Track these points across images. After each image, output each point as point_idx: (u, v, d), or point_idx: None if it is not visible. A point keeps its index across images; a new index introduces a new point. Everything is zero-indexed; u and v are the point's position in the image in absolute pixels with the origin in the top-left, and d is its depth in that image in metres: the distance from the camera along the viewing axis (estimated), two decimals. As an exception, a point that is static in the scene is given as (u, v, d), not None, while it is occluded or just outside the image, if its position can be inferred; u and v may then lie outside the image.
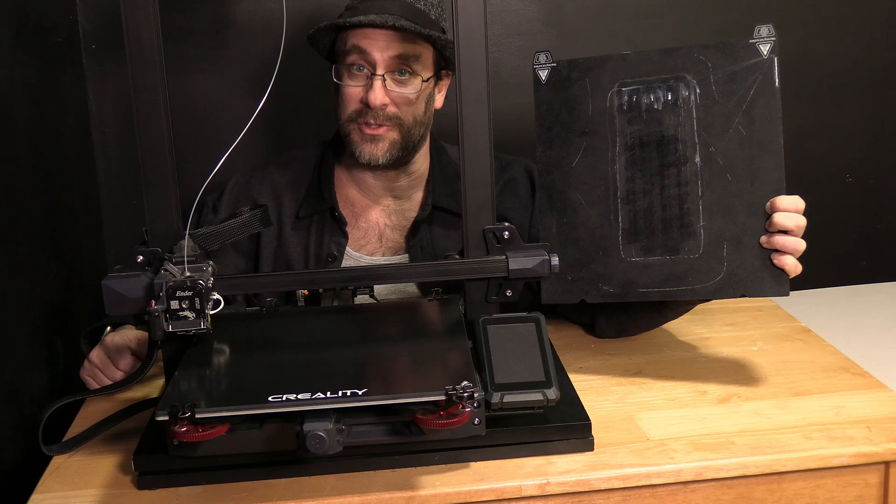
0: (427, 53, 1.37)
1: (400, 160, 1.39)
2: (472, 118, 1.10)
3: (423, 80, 1.36)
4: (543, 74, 1.20)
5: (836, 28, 1.95)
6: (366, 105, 1.33)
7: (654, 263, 1.17)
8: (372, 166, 1.38)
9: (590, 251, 1.19)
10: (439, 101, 1.45)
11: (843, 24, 1.96)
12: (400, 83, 1.35)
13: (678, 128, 1.16)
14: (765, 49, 1.13)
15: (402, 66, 1.34)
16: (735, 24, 1.88)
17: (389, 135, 1.36)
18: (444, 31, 1.39)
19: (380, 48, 1.32)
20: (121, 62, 1.08)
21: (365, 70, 1.34)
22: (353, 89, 1.35)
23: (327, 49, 1.42)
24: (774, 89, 1.13)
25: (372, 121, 1.34)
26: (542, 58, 1.20)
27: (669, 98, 1.16)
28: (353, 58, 1.34)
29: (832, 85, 1.98)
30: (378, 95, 1.32)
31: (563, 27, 1.89)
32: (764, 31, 1.13)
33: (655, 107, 1.16)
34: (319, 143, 1.52)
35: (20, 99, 1.41)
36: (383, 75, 1.33)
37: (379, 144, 1.36)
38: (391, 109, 1.35)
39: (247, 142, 1.11)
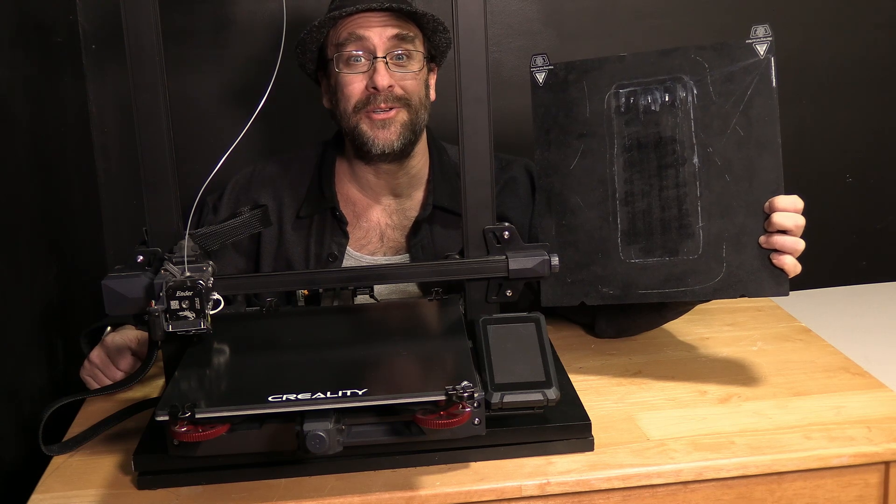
0: (418, 38, 1.39)
1: (408, 147, 1.40)
2: (472, 118, 1.10)
3: (422, 56, 1.39)
4: (540, 77, 1.20)
5: (836, 28, 1.95)
6: (373, 90, 1.35)
7: (653, 265, 1.17)
8: (387, 153, 1.38)
9: (589, 253, 1.19)
10: (432, 93, 1.47)
11: (843, 24, 1.96)
12: (400, 66, 1.37)
13: (676, 129, 1.16)
14: (761, 49, 1.13)
15: (400, 48, 1.36)
16: (735, 24, 1.88)
17: (399, 117, 1.37)
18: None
19: (377, 32, 1.35)
20: (121, 62, 1.08)
21: (363, 60, 1.36)
22: (355, 81, 1.36)
23: (315, 58, 1.43)
24: (772, 89, 1.13)
25: (383, 105, 1.35)
26: (539, 60, 1.20)
27: (667, 99, 1.16)
28: (350, 48, 1.36)
29: (832, 85, 1.98)
30: (384, 77, 1.34)
31: (563, 27, 1.89)
32: (760, 31, 1.13)
33: (653, 108, 1.16)
34: (319, 143, 1.52)
35: (20, 99, 1.41)
36: (385, 58, 1.35)
37: (391, 129, 1.37)
38: (398, 91, 1.36)
39: (247, 142, 1.11)
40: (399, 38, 1.36)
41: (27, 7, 1.48)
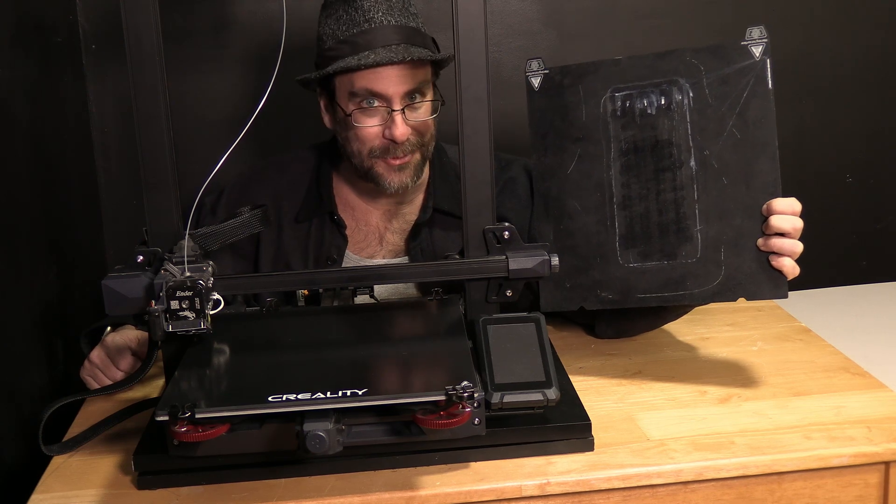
0: (430, 73, 1.37)
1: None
2: (472, 118, 1.10)
3: (433, 101, 1.37)
4: (536, 81, 1.20)
5: (836, 28, 1.96)
6: (391, 141, 1.32)
7: (651, 269, 1.17)
8: (400, 193, 1.38)
9: (587, 258, 1.19)
10: None
11: (843, 24, 1.96)
12: (414, 109, 1.34)
13: (672, 132, 1.16)
14: (757, 51, 1.12)
15: (416, 94, 1.34)
16: (735, 24, 1.87)
17: (414, 159, 1.36)
18: (433, 40, 1.39)
19: (393, 84, 1.31)
20: (121, 62, 1.08)
21: (377, 105, 1.32)
22: (370, 128, 1.33)
23: (319, 81, 1.39)
24: (768, 91, 1.12)
25: (400, 154, 1.34)
26: (535, 65, 1.20)
27: (663, 102, 1.16)
28: (365, 99, 1.32)
29: (832, 85, 1.98)
30: (403, 130, 1.32)
31: (563, 27, 1.89)
32: (756, 32, 1.13)
33: (649, 111, 1.16)
34: (315, 146, 1.52)
35: (20, 99, 1.41)
36: (402, 109, 1.32)
37: (406, 171, 1.36)
38: (413, 137, 1.34)
39: (246, 142, 1.11)
40: (414, 91, 1.33)
41: (27, 7, 1.48)
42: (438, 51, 1.39)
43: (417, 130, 1.35)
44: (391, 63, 1.30)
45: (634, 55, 1.16)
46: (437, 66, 1.40)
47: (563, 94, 1.19)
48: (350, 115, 1.33)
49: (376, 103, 1.32)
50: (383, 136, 1.33)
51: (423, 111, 1.35)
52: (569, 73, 1.19)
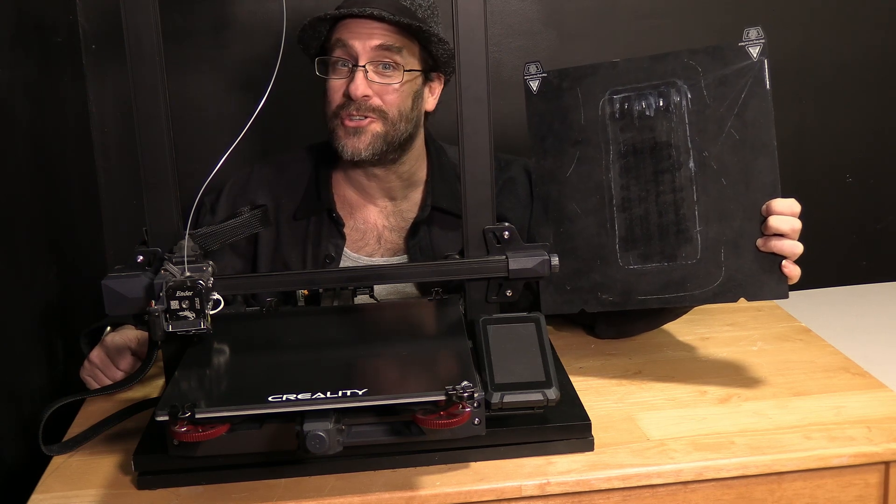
0: (412, 48, 1.37)
1: (385, 156, 1.39)
2: (472, 118, 1.10)
3: (405, 71, 1.36)
4: (534, 85, 1.20)
5: (836, 28, 1.95)
6: (348, 98, 1.34)
7: (652, 270, 1.17)
8: (356, 161, 1.38)
9: (588, 260, 1.19)
10: (431, 103, 1.45)
11: (843, 24, 1.96)
12: (383, 75, 1.35)
13: (671, 133, 1.15)
14: (754, 51, 1.12)
15: (385, 59, 1.35)
16: (735, 24, 1.86)
17: (372, 127, 1.35)
18: (439, 38, 1.39)
19: (360, 39, 1.33)
20: (121, 62, 1.08)
21: (344, 66, 1.35)
22: (336, 83, 1.36)
23: (316, 53, 1.42)
24: (766, 91, 1.12)
25: (355, 112, 1.34)
26: (532, 68, 1.20)
27: (661, 104, 1.16)
28: (337, 53, 1.35)
29: (832, 85, 1.98)
30: (359, 86, 1.33)
31: (563, 27, 1.89)
32: (753, 33, 1.13)
33: (647, 113, 1.16)
34: (314, 146, 1.52)
35: (20, 99, 1.41)
36: (364, 66, 1.33)
37: (361, 137, 1.35)
38: (375, 101, 1.35)
39: (246, 142, 1.11)
40: (383, 48, 1.34)
41: (27, 7, 1.48)
42: (443, 52, 1.39)
43: (381, 98, 1.35)
44: (352, 16, 1.33)
45: (632, 57, 1.16)
46: (426, 48, 1.39)
47: (562, 98, 1.19)
48: (324, 74, 1.36)
49: (346, 64, 1.35)
50: (343, 94, 1.35)
51: (393, 79, 1.35)
52: (567, 77, 1.18)
